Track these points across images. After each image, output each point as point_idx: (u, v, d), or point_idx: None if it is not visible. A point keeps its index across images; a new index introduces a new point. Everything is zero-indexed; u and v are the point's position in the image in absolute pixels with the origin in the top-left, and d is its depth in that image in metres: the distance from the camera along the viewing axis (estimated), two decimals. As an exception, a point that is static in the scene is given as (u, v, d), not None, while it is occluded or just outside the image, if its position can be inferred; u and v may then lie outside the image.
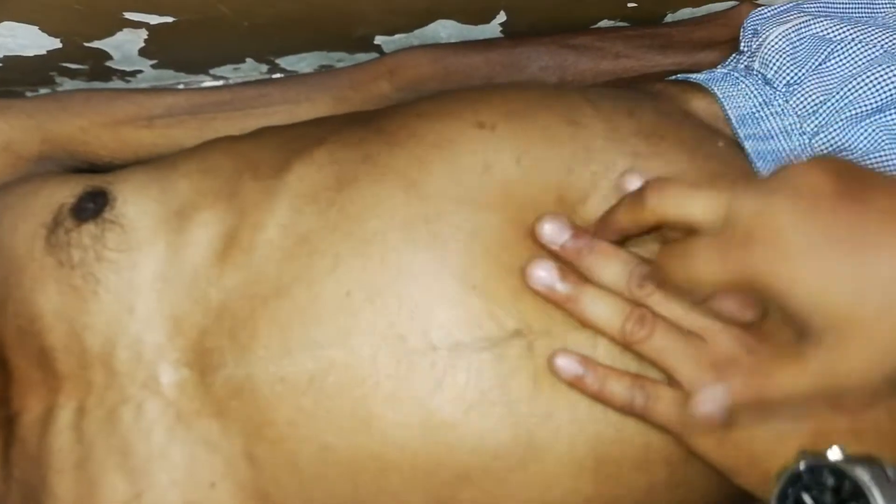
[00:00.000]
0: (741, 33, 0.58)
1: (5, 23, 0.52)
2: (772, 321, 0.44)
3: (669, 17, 0.61)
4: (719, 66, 0.57)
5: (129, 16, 0.53)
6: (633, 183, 0.45)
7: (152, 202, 0.49)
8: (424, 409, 0.45)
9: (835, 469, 0.39)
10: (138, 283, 0.48)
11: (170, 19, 0.54)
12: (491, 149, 0.48)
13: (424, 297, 0.45)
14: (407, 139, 0.49)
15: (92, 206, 0.49)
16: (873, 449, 0.40)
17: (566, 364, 0.44)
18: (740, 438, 0.43)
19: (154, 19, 0.54)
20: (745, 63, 0.56)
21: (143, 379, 0.47)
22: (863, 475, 0.38)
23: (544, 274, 0.45)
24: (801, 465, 0.40)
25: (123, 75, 0.63)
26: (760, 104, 0.54)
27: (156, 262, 0.48)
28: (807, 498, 0.40)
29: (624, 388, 0.44)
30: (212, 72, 0.65)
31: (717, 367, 0.42)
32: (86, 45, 0.57)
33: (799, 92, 0.54)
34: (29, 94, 0.66)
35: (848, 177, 0.37)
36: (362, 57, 0.63)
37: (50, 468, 0.47)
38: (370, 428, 0.45)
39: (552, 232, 0.45)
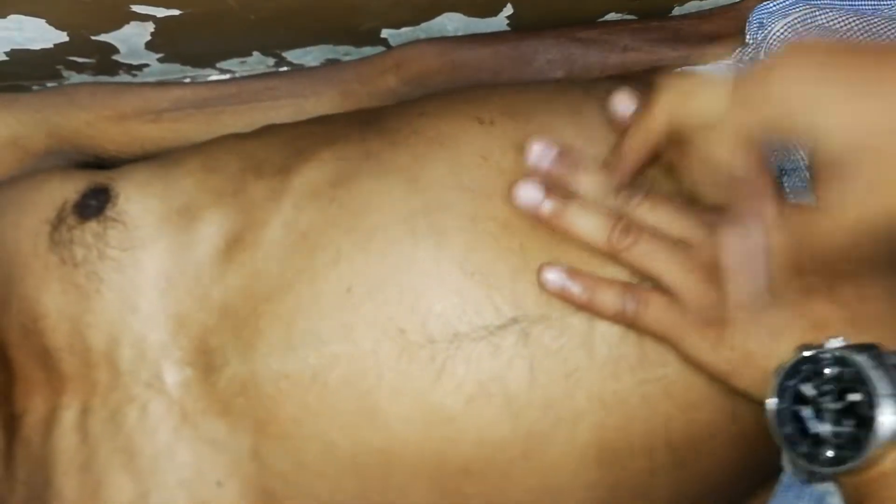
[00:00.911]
0: (747, 26, 0.57)
1: (12, 16, 0.52)
2: None
3: (677, 11, 0.61)
4: (724, 60, 0.57)
5: (136, 9, 0.53)
6: (622, 101, 0.46)
7: (155, 199, 0.49)
8: (426, 402, 0.45)
9: (835, 357, 0.39)
10: (141, 282, 0.48)
11: (176, 12, 0.54)
12: (490, 141, 0.48)
13: (424, 288, 0.45)
14: (408, 136, 0.49)
15: (95, 203, 0.49)
16: (871, 338, 0.40)
17: (553, 277, 0.45)
18: (735, 338, 0.43)
19: (161, 12, 0.54)
20: (751, 55, 0.56)
21: (147, 378, 0.47)
22: (863, 361, 0.38)
23: (529, 192, 0.45)
24: (801, 356, 0.40)
25: (130, 69, 0.63)
26: None
27: (159, 261, 0.48)
28: (806, 388, 0.40)
29: (614, 297, 0.44)
30: (218, 65, 0.65)
31: (704, 269, 0.43)
32: (93, 38, 0.57)
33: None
34: (35, 87, 0.66)
35: (832, 40, 0.40)
36: (369, 50, 0.63)
37: (55, 469, 0.47)
38: (374, 423, 0.45)
39: (539, 152, 0.46)
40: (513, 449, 0.45)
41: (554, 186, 0.46)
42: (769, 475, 0.52)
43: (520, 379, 0.45)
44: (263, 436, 0.46)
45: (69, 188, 0.50)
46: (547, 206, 0.45)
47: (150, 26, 0.56)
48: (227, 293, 0.47)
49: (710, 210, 0.44)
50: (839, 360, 0.39)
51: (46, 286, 0.48)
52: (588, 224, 0.45)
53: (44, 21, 0.53)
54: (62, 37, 0.56)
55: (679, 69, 0.58)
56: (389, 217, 0.46)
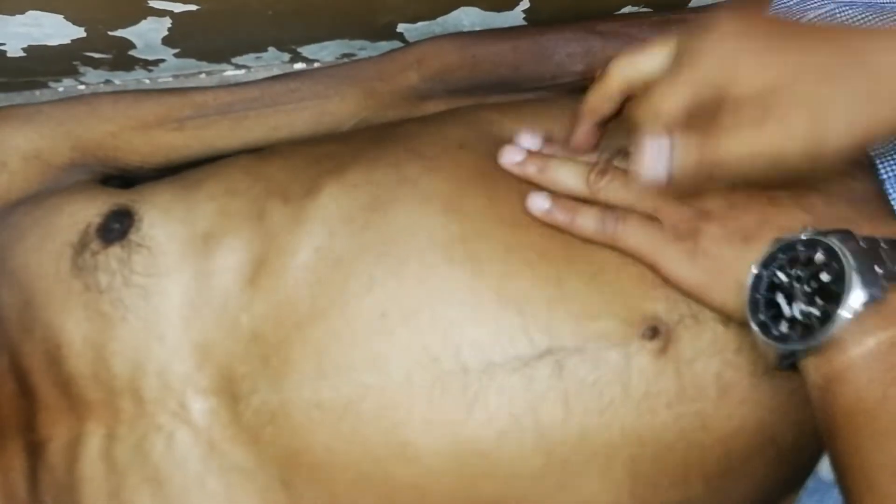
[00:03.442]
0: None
1: (30, 12, 0.52)
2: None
3: (693, 3, 0.60)
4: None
5: (153, 4, 0.53)
6: (508, 153, 0.50)
7: (178, 223, 0.49)
8: (458, 434, 0.44)
9: (808, 241, 0.41)
10: (167, 310, 0.47)
11: (193, 7, 0.54)
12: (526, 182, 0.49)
13: (459, 315, 0.45)
14: (449, 167, 0.49)
15: (118, 227, 0.49)
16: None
17: (539, 201, 0.47)
18: (708, 246, 0.44)
19: (178, 7, 0.54)
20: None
21: (173, 408, 0.47)
22: (835, 241, 0.40)
23: (514, 156, 0.49)
24: (777, 246, 0.42)
25: (146, 64, 0.63)
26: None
27: (184, 289, 0.47)
28: (780, 275, 0.41)
29: (594, 218, 0.46)
30: (234, 60, 0.65)
31: (676, 194, 0.45)
32: (109, 33, 0.57)
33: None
34: (52, 84, 0.66)
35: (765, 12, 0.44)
36: (384, 45, 0.63)
37: (82, 495, 0.47)
38: (406, 455, 0.44)
39: (510, 153, 0.49)
40: (546, 483, 0.45)
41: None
42: (798, 482, 0.52)
43: (554, 412, 0.44)
44: (294, 465, 0.46)
45: (91, 210, 0.50)
46: (530, 166, 0.49)
47: (167, 21, 0.56)
48: (255, 321, 0.46)
49: None
50: (812, 243, 0.40)
51: (70, 312, 0.48)
52: (568, 174, 0.48)
53: (62, 17, 0.53)
54: (80, 32, 0.56)
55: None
56: (426, 243, 0.46)
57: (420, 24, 0.60)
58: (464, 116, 0.54)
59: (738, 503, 0.48)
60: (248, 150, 0.55)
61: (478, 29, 0.60)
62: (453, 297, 0.45)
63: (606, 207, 0.46)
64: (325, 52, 0.64)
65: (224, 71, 0.67)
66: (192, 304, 0.47)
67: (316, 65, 0.67)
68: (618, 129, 0.48)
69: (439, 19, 0.59)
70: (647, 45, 0.45)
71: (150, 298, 0.47)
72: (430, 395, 0.44)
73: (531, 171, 0.49)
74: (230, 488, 0.46)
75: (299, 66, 0.67)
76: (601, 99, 0.47)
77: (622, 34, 0.57)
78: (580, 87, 0.58)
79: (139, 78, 0.67)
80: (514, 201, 0.47)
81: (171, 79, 0.67)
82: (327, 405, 0.45)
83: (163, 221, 0.49)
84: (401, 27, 0.60)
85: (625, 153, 0.47)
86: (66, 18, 0.54)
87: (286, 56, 0.65)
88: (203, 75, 0.67)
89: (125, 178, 0.56)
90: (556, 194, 0.47)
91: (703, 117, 0.42)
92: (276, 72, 0.66)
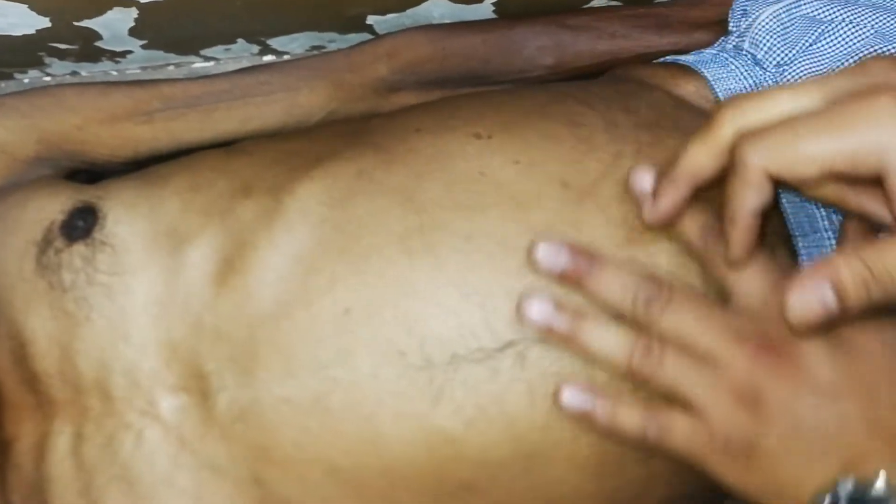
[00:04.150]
0: (730, 14, 0.58)
1: (-6, 1, 0.51)
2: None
3: (663, -2, 0.61)
4: (708, 48, 0.58)
5: (119, -6, 0.52)
6: (642, 177, 0.43)
7: (143, 220, 0.48)
8: (426, 425, 0.44)
9: (880, 500, 0.37)
10: (132, 308, 0.47)
11: (161, -2, 0.53)
12: (486, 156, 0.47)
13: (421, 310, 0.45)
14: (404, 154, 0.48)
15: (82, 225, 0.48)
16: None
17: (572, 398, 0.43)
18: (765, 466, 0.40)
19: (145, -2, 0.53)
20: (734, 43, 0.57)
21: (141, 406, 0.46)
22: None
23: (540, 310, 0.43)
24: (841, 492, 0.38)
25: (113, 56, 0.63)
26: (751, 86, 0.55)
27: (149, 287, 0.47)
28: None
29: (636, 421, 0.42)
30: (202, 52, 0.65)
31: (733, 391, 0.41)
32: (75, 23, 0.56)
33: (789, 73, 0.55)
34: (17, 75, 0.66)
35: None
36: (354, 37, 0.63)
37: (51, 495, 0.46)
38: (376, 446, 0.45)
39: (547, 256, 0.43)
40: (514, 467, 0.45)
41: (565, 295, 0.44)
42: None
43: (519, 402, 0.44)
44: (265, 461, 0.46)
45: (55, 207, 0.49)
46: (561, 326, 0.43)
47: (134, 12, 0.55)
48: (220, 318, 0.46)
49: (736, 312, 0.42)
50: (881, 501, 0.37)
51: (35, 311, 0.47)
52: (607, 346, 0.42)
53: (26, 6, 0.53)
54: (44, 22, 0.55)
55: (661, 59, 0.58)
56: (384, 238, 0.46)
57: (390, 16, 0.60)
58: (427, 105, 0.54)
59: (700, 476, 0.48)
60: (217, 145, 0.55)
61: (448, 21, 0.60)
62: (415, 292, 0.45)
63: (649, 407, 0.42)
64: (294, 44, 0.64)
65: (193, 63, 0.67)
66: (157, 302, 0.47)
67: (285, 57, 0.67)
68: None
69: (409, 11, 0.59)
70: (778, 89, 0.36)
71: (115, 297, 0.47)
72: (397, 387, 0.44)
73: (561, 333, 0.42)
74: (201, 485, 0.46)
75: (269, 58, 0.67)
76: (707, 155, 0.38)
77: (592, 28, 0.58)
78: (550, 80, 0.58)
79: (106, 70, 0.66)
80: (471, 181, 0.47)
81: (138, 70, 0.67)
82: (296, 401, 0.45)
83: (128, 218, 0.48)
84: (371, 19, 0.60)
85: (677, 299, 0.42)
86: (31, 8, 0.53)
87: (255, 48, 0.65)
88: (171, 67, 0.67)
89: (92, 172, 0.55)
90: (595, 388, 0.42)
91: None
92: (245, 64, 0.66)
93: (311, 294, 0.45)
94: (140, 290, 0.47)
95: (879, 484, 0.36)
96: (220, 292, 0.46)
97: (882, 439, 0.39)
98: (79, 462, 0.46)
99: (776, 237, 0.49)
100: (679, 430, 0.42)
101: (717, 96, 0.54)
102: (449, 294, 0.45)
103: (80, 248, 0.48)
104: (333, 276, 0.46)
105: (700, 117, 0.52)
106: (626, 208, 0.45)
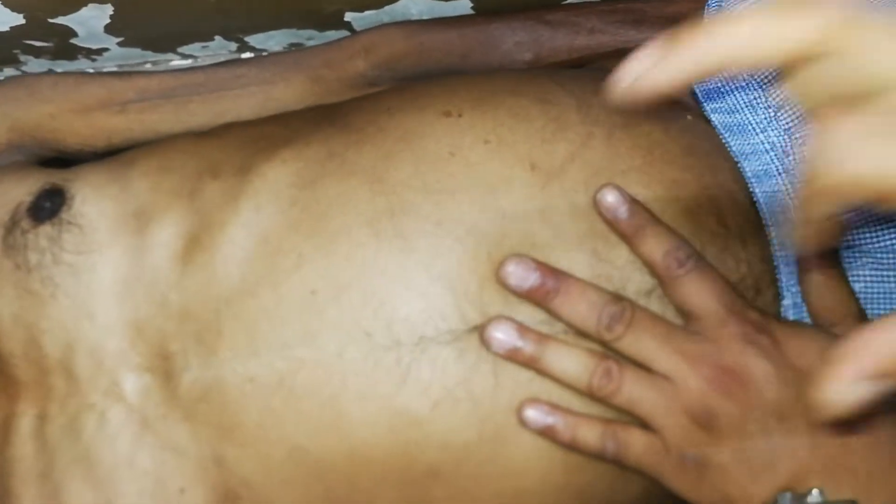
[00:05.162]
0: (706, 8, 0.58)
1: (-33, -2, 0.51)
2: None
3: (640, -6, 0.61)
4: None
5: (94, -10, 0.52)
6: (610, 195, 0.45)
7: (111, 201, 0.48)
8: (391, 406, 0.44)
9: None
10: (97, 287, 0.47)
11: (136, -6, 0.53)
12: (457, 135, 0.47)
13: (389, 292, 0.45)
14: (374, 135, 0.48)
15: (49, 206, 0.48)
16: (849, 492, 0.40)
17: (535, 415, 0.44)
18: (714, 479, 0.43)
19: (120, -6, 0.53)
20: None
21: (105, 386, 0.46)
22: None
23: (503, 336, 0.44)
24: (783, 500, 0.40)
25: (89, 53, 0.62)
26: (724, 78, 0.55)
27: (115, 265, 0.47)
28: None
29: (595, 437, 0.44)
30: (180, 50, 0.64)
31: (688, 412, 0.43)
32: (50, 21, 0.56)
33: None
34: (-8, 72, 0.65)
35: None
36: (332, 34, 0.62)
37: (14, 477, 0.46)
38: (340, 427, 0.45)
39: (516, 273, 0.44)
40: (480, 452, 0.45)
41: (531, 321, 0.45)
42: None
43: (485, 383, 0.45)
44: (228, 441, 0.45)
45: (22, 189, 0.49)
46: (524, 349, 0.44)
47: (109, 9, 0.55)
48: (186, 297, 0.46)
49: (692, 333, 0.44)
50: None
51: (0, 292, 0.47)
52: (568, 368, 0.44)
53: (0, 3, 0.52)
54: (18, 19, 0.55)
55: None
56: (353, 220, 0.46)
57: (368, 12, 0.60)
58: (402, 86, 0.54)
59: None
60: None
61: (426, 17, 0.60)
62: (383, 274, 0.45)
63: (607, 423, 0.44)
64: (272, 41, 0.64)
65: (170, 60, 0.66)
66: (123, 282, 0.47)
67: (263, 54, 0.66)
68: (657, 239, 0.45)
69: (387, 8, 0.59)
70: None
71: (80, 276, 0.47)
72: (363, 368, 0.45)
73: (524, 357, 0.44)
74: (161, 466, 0.46)
75: (246, 55, 0.66)
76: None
77: (570, 23, 0.58)
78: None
79: (82, 67, 0.65)
80: (441, 162, 0.47)
81: (115, 68, 0.66)
82: (261, 380, 0.45)
83: (95, 199, 0.48)
84: (348, 16, 0.60)
85: (638, 323, 0.44)
86: (4, 4, 0.52)
87: (233, 45, 0.64)
88: (148, 65, 0.66)
89: (65, 161, 0.55)
90: (558, 409, 0.44)
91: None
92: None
93: (278, 274, 0.46)
94: (106, 269, 0.47)
95: (813, 499, 0.39)
96: (187, 270, 0.46)
97: (820, 460, 0.41)
98: (41, 443, 0.46)
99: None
100: (636, 446, 0.44)
101: (692, 88, 0.54)
102: (418, 276, 0.45)
103: (46, 229, 0.48)
104: (301, 256, 0.46)
105: (676, 106, 0.52)
106: (592, 195, 0.46)
